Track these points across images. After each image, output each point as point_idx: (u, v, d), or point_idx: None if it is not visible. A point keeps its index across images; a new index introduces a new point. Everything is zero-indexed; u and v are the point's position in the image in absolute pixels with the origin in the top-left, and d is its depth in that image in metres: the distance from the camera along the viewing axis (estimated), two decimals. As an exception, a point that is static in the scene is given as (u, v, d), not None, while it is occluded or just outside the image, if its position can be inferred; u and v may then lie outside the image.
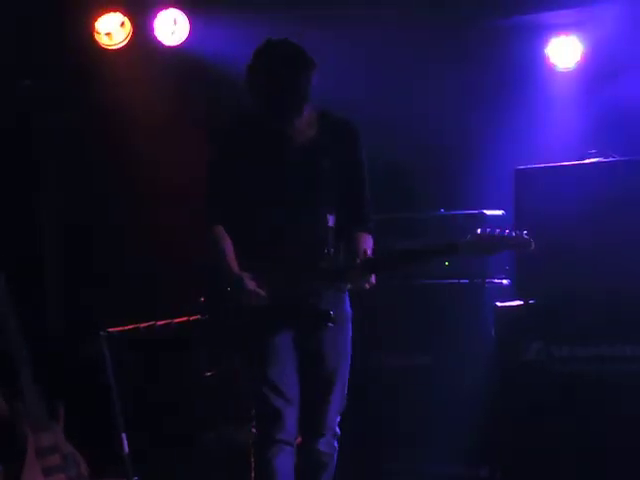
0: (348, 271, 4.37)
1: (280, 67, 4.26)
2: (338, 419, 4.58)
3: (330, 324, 4.38)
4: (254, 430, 4.48)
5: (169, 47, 6.96)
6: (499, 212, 6.19)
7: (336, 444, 4.59)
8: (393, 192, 6.51)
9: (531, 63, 6.80)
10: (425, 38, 6.65)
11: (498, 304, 5.68)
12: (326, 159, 4.43)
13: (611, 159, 5.67)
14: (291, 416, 4.44)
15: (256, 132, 4.44)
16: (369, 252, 4.40)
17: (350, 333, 4.58)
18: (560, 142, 6.57)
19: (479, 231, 4.37)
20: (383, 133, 6.18)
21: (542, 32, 6.81)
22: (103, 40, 6.84)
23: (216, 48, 6.82)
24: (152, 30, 6.91)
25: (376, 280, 4.42)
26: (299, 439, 4.53)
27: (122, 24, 6.87)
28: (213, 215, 4.48)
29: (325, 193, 4.45)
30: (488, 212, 6.11)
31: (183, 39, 6.91)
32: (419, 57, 6.70)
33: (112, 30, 6.85)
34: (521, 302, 5.63)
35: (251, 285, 4.34)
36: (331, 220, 4.48)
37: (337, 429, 4.59)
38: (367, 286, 4.40)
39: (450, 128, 6.79)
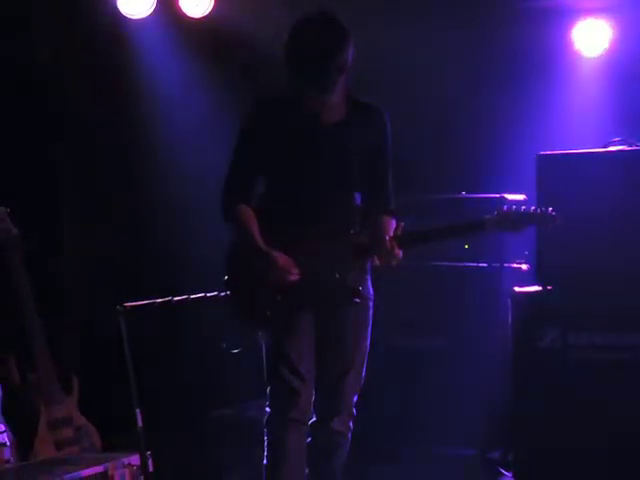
0: (377, 246, 4.39)
1: (320, 39, 4.25)
2: (355, 399, 4.59)
3: (357, 300, 4.43)
4: (268, 409, 4.50)
5: (193, 19, 6.94)
6: (521, 196, 6.19)
7: (351, 424, 4.60)
8: (416, 174, 6.50)
9: (558, 46, 6.76)
10: (449, 18, 6.61)
11: (516, 289, 5.65)
12: (354, 141, 4.44)
13: (635, 147, 5.64)
14: (306, 395, 4.44)
15: (288, 111, 4.43)
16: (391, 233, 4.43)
17: (371, 313, 4.59)
18: (584, 129, 6.54)
19: (505, 207, 4.42)
20: (406, 115, 6.16)
21: (569, 15, 6.76)
22: (126, 9, 6.79)
23: (241, 22, 6.81)
24: (176, 1, 6.88)
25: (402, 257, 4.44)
26: (313, 418, 4.55)
27: (146, -7, 6.84)
28: (236, 194, 4.48)
29: (353, 174, 4.47)
30: (509, 196, 6.10)
31: (208, 11, 6.88)
32: (442, 38, 6.66)
33: (136, -1, 6.82)
34: (539, 288, 5.60)
35: (281, 262, 4.36)
36: (358, 200, 4.52)
37: (354, 409, 4.60)
38: (394, 263, 4.40)
39: (473, 111, 6.77)
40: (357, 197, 4.51)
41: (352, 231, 4.43)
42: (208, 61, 7.01)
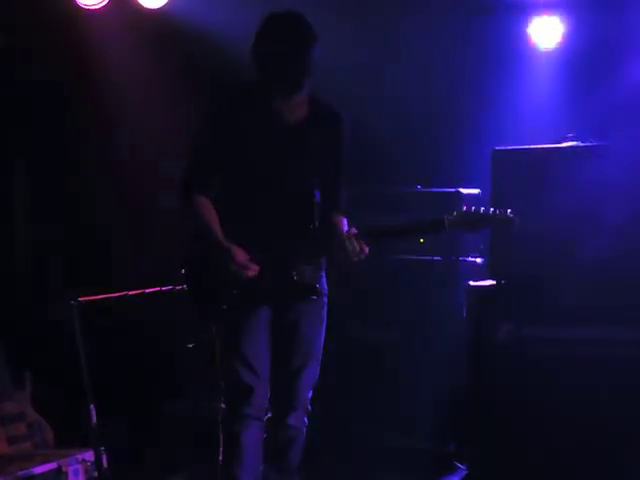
0: (337, 244, 4.39)
1: (288, 39, 4.31)
2: (310, 394, 4.60)
3: (314, 297, 4.44)
4: (222, 405, 4.49)
5: (149, 10, 6.88)
6: (476, 191, 6.23)
7: (306, 419, 4.61)
8: (372, 167, 6.51)
9: (513, 42, 6.78)
10: (409, 14, 6.62)
11: (470, 283, 5.68)
12: (314, 140, 4.47)
13: (588, 144, 5.68)
14: (261, 391, 4.44)
15: (251, 105, 4.44)
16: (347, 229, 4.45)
17: (326, 309, 4.60)
18: (540, 124, 6.57)
19: (464, 208, 4.44)
20: (365, 108, 6.17)
21: (525, 12, 6.79)
22: (81, -1, 6.74)
23: (198, 14, 6.78)
24: (132, -8, 6.83)
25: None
26: (269, 414, 4.55)
27: (101, -17, 6.78)
28: (196, 184, 4.45)
29: (313, 172, 4.49)
30: (464, 190, 6.14)
31: (164, 2, 6.82)
32: (403, 34, 6.67)
33: (91, -11, 6.76)
34: (493, 282, 5.63)
35: (239, 257, 4.34)
36: (317, 197, 4.52)
37: (309, 404, 4.61)
38: (354, 260, 4.41)
39: (432, 106, 6.77)
40: (316, 194, 4.53)
41: (311, 226, 4.44)
42: (163, 52, 6.97)
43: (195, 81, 6.68)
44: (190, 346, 4.85)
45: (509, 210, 4.48)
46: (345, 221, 4.54)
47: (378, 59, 6.67)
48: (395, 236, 4.79)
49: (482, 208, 4.46)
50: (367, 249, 4.39)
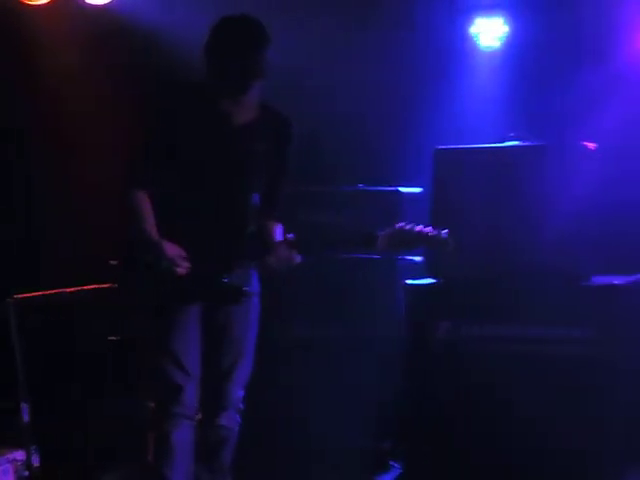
0: (270, 251, 4.42)
1: (239, 41, 4.33)
2: (242, 394, 4.60)
3: (243, 300, 4.43)
4: (152, 403, 4.48)
5: (94, 6, 6.85)
6: (418, 190, 6.24)
7: (239, 418, 4.62)
8: (314, 165, 6.50)
9: (456, 42, 6.81)
10: (351, 12, 6.63)
11: (408, 282, 5.70)
12: (260, 145, 4.48)
13: (529, 143, 5.71)
14: (191, 390, 4.44)
15: (200, 104, 4.44)
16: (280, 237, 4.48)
17: (257, 309, 4.60)
18: (482, 123, 6.59)
19: (398, 225, 4.42)
20: (306, 105, 6.17)
21: (467, 11, 6.82)
22: (24, -6, 6.69)
23: (143, 11, 6.76)
24: (76, -13, 6.79)
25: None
26: (200, 414, 4.54)
27: (43, -22, 6.73)
28: (137, 179, 4.43)
29: (254, 176, 4.50)
30: (404, 189, 6.15)
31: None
32: (344, 31, 6.68)
33: (33, -16, 6.71)
34: (432, 281, 5.66)
35: (170, 252, 4.33)
36: (255, 201, 4.53)
37: (240, 404, 4.61)
38: (285, 267, 4.44)
39: (375, 104, 6.77)
40: (255, 198, 4.54)
41: (248, 230, 4.46)
42: (107, 49, 6.94)
43: (139, 79, 6.65)
44: (113, 339, 4.81)
45: (445, 231, 4.46)
46: (280, 228, 4.55)
47: (318, 58, 6.67)
48: (327, 250, 4.81)
49: (417, 226, 4.45)
50: (298, 258, 4.42)
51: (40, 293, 5.03)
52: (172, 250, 4.33)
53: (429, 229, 4.43)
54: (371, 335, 6.06)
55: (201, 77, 4.46)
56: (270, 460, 5.91)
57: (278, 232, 4.52)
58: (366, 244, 4.49)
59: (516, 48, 6.77)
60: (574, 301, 5.35)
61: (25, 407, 4.76)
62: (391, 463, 5.91)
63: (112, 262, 4.45)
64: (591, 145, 5.63)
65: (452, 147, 5.83)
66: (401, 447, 5.79)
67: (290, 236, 4.44)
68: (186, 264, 4.34)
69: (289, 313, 6.19)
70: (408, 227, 4.41)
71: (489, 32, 6.77)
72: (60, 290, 5.08)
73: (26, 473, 4.78)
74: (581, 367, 5.29)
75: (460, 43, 6.79)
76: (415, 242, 4.43)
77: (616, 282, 5.43)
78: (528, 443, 5.35)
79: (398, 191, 6.12)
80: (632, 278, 5.60)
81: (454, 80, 6.72)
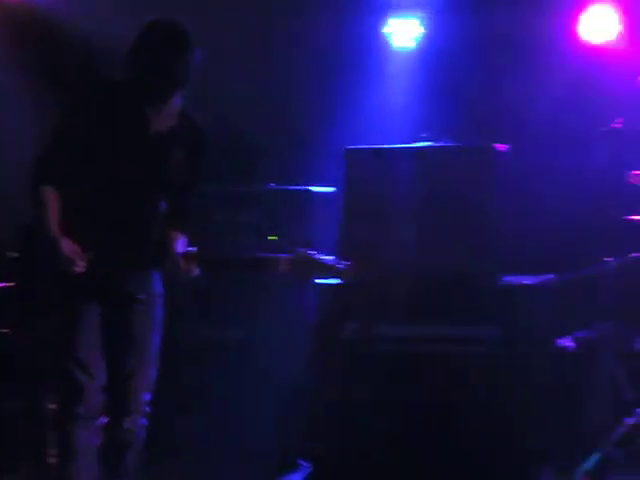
0: (169, 262, 4.37)
1: (162, 51, 4.26)
2: (148, 397, 4.54)
3: (139, 306, 4.39)
4: (55, 405, 4.41)
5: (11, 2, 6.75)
6: (330, 189, 6.24)
7: (145, 422, 4.55)
8: (229, 164, 6.49)
9: (369, 42, 6.82)
10: (265, 14, 6.62)
11: (318, 282, 5.68)
12: (174, 154, 4.43)
13: (441, 144, 5.74)
14: (95, 392, 4.35)
15: (120, 106, 4.37)
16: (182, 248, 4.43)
17: (160, 312, 4.54)
18: (395, 123, 6.63)
19: (301, 250, 4.38)
20: (224, 105, 6.16)
21: (381, 11, 6.83)
22: None
23: (60, 7, 6.68)
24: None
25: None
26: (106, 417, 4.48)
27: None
28: (46, 175, 4.35)
29: (164, 183, 4.45)
30: (316, 189, 6.16)
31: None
32: (258, 33, 6.69)
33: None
34: (341, 281, 5.64)
35: (68, 250, 4.26)
36: (163, 209, 4.49)
37: (147, 407, 4.55)
38: (181, 279, 4.40)
39: (289, 104, 6.78)
40: (164, 206, 4.50)
41: (150, 239, 4.40)
42: (23, 45, 6.83)
43: (55, 76, 6.56)
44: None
45: (347, 262, 4.41)
46: (183, 240, 4.50)
47: (231, 58, 6.64)
48: (227, 268, 4.79)
49: (319, 255, 4.38)
50: (196, 272, 4.39)
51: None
52: (70, 248, 4.26)
53: (331, 259, 4.40)
54: (278, 335, 6.06)
55: (119, 76, 4.41)
56: (176, 462, 5.88)
57: (180, 243, 4.47)
58: (267, 267, 4.46)
59: (432, 49, 6.82)
60: (481, 301, 5.41)
61: None
62: (299, 462, 5.91)
63: (11, 254, 4.40)
64: (502, 146, 5.69)
65: (363, 147, 5.86)
66: (311, 446, 5.80)
67: (192, 250, 4.41)
68: (82, 263, 4.28)
69: (196, 314, 6.16)
70: (309, 254, 4.38)
71: (403, 33, 6.81)
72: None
73: None
74: (488, 366, 5.35)
75: (373, 43, 6.82)
76: (315, 270, 4.40)
77: (524, 282, 5.49)
78: (436, 442, 5.39)
79: (309, 190, 6.13)
80: (540, 278, 5.68)
81: (367, 80, 6.75)
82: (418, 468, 5.41)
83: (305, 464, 5.87)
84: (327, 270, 4.38)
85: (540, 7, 6.56)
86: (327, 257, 4.38)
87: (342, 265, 4.37)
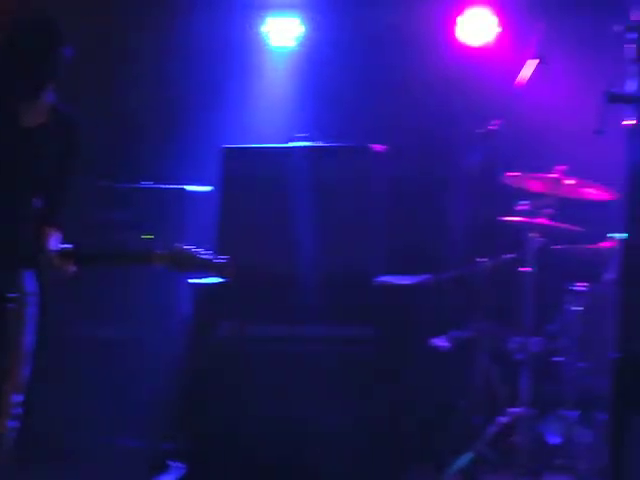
0: (43, 259, 4.28)
1: (32, 45, 4.19)
2: (19, 398, 4.43)
3: (11, 305, 4.27)
4: None
5: None
6: (206, 188, 6.19)
7: (15, 424, 4.42)
8: (105, 162, 6.39)
9: (246, 41, 6.80)
10: (143, 14, 6.56)
11: (194, 281, 5.64)
12: (48, 148, 4.33)
13: (319, 144, 5.74)
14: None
15: None
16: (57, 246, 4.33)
17: (34, 311, 4.44)
18: (275, 123, 6.61)
19: (178, 245, 4.33)
20: (94, 105, 6.07)
21: (261, 11, 6.81)
22: None
23: None
24: None
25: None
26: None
27: None
28: None
29: (37, 180, 4.34)
30: (190, 188, 6.10)
31: None
32: (134, 33, 6.60)
33: None
34: (217, 280, 5.60)
35: None
36: (38, 205, 4.37)
37: (17, 409, 4.42)
38: (59, 275, 4.30)
39: (160, 102, 6.71)
40: (38, 202, 4.38)
41: (22, 235, 4.29)
42: None
43: None
44: None
45: (226, 258, 4.38)
46: (57, 237, 4.41)
47: (104, 58, 6.56)
48: (103, 264, 4.69)
49: (197, 250, 4.36)
50: (72, 269, 4.30)
51: None
52: None
53: (208, 254, 4.36)
54: (156, 334, 5.99)
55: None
56: (45, 462, 5.77)
57: (54, 241, 4.38)
58: (141, 259, 4.39)
59: (311, 48, 6.82)
60: (358, 301, 5.42)
61: None
62: (171, 463, 5.84)
63: None
64: (379, 147, 5.71)
65: (241, 146, 5.83)
66: (185, 447, 5.73)
67: (66, 247, 4.32)
68: None
69: (70, 312, 6.05)
70: (187, 249, 4.33)
71: (283, 32, 6.80)
72: None
73: None
74: (366, 366, 5.36)
75: (251, 42, 6.79)
76: (192, 266, 4.35)
77: (400, 282, 5.52)
78: (313, 443, 5.39)
79: (183, 189, 6.08)
80: (417, 278, 5.71)
81: (245, 79, 6.72)
82: (291, 468, 5.39)
83: (179, 465, 5.81)
84: (204, 266, 4.34)
85: (419, 9, 6.62)
86: (204, 253, 4.35)
87: (219, 261, 4.34)
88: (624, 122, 3.19)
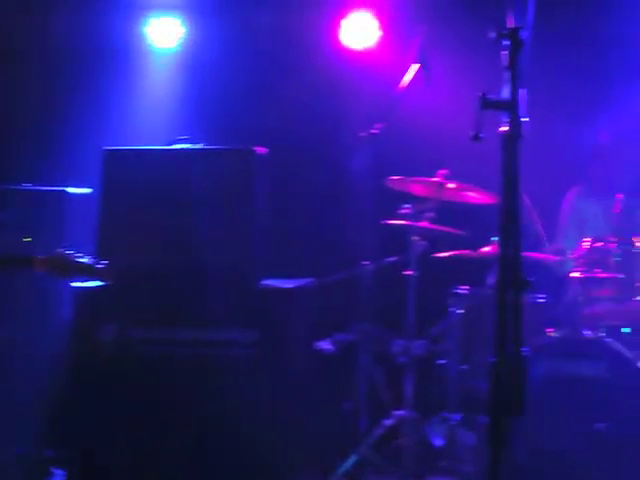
0: None
1: None
2: None
3: None
4: None
5: None
6: (87, 190, 6.09)
7: None
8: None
9: (129, 41, 6.71)
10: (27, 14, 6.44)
11: (74, 285, 5.52)
12: None
13: (200, 146, 5.68)
14: None
15: None
16: None
17: None
18: (157, 124, 6.54)
19: (59, 250, 4.27)
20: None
21: (144, 11, 6.73)
22: None
23: None
24: None
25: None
26: None
27: None
28: None
29: None
30: (72, 190, 5.99)
31: None
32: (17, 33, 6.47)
33: None
34: (98, 283, 5.50)
35: None
36: None
37: None
38: None
39: (47, 104, 6.58)
40: None
41: None
42: None
43: None
44: None
45: (104, 262, 4.32)
46: None
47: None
48: None
49: (77, 254, 4.29)
50: None
51: None
52: None
53: (88, 260, 4.30)
54: (34, 337, 5.85)
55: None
56: None
57: None
58: (22, 263, 4.31)
59: (194, 50, 6.77)
60: (243, 304, 5.38)
61: None
62: (53, 470, 5.72)
63: None
64: (261, 149, 5.67)
65: (121, 148, 5.72)
66: (65, 453, 5.61)
67: None
68: None
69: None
70: (67, 254, 4.27)
71: (165, 33, 6.73)
72: None
73: None
74: (248, 369, 5.32)
75: (134, 43, 6.70)
76: (72, 271, 4.29)
77: (283, 286, 5.50)
78: (194, 445, 5.32)
79: (64, 191, 5.95)
80: (300, 282, 5.69)
81: (128, 81, 6.64)
82: (180, 469, 5.33)
83: (58, 472, 5.70)
84: (85, 271, 4.29)
85: (304, 12, 6.62)
86: (85, 258, 4.29)
87: (100, 266, 4.29)
88: (499, 128, 3.21)
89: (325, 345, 6.05)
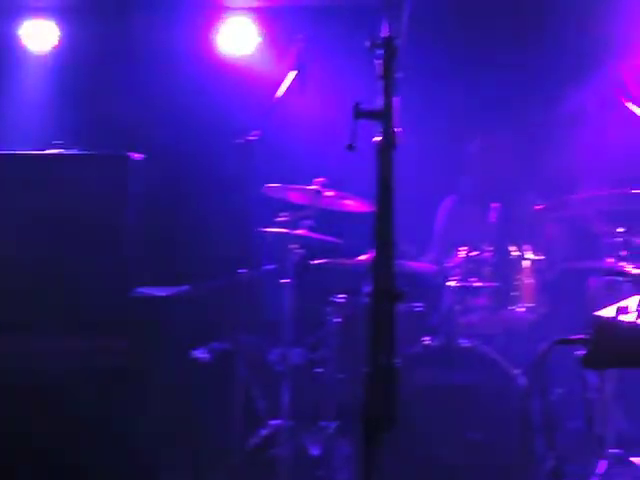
0: None
1: None
2: None
3: None
4: None
5: None
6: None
7: None
8: None
9: (3, 44, 6.56)
10: None
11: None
12: None
13: (72, 152, 5.55)
14: None
15: None
16: None
17: None
18: (29, 129, 6.41)
19: None
20: None
21: (17, 13, 6.58)
22: None
23: None
24: None
25: None
26: None
27: None
28: None
29: None
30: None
31: None
32: None
33: None
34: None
35: None
36: None
37: None
38: None
39: None
40: None
41: None
42: None
43: None
44: None
45: None
46: None
47: None
48: None
49: None
50: None
51: None
52: None
53: None
54: None
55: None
56: None
57: None
58: None
59: (68, 53, 6.64)
60: (115, 312, 5.27)
61: None
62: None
63: None
64: (137, 156, 5.58)
65: (-8, 152, 5.57)
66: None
67: None
68: None
69: None
70: None
71: (39, 36, 6.59)
72: None
73: None
74: (119, 379, 5.22)
75: (7, 46, 6.55)
76: None
77: (156, 294, 5.42)
78: (70, 454, 5.21)
79: None
80: (174, 290, 5.62)
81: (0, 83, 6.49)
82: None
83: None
84: None
85: (181, 17, 6.56)
86: None
87: None
88: (373, 138, 3.19)
89: (201, 354, 5.97)
